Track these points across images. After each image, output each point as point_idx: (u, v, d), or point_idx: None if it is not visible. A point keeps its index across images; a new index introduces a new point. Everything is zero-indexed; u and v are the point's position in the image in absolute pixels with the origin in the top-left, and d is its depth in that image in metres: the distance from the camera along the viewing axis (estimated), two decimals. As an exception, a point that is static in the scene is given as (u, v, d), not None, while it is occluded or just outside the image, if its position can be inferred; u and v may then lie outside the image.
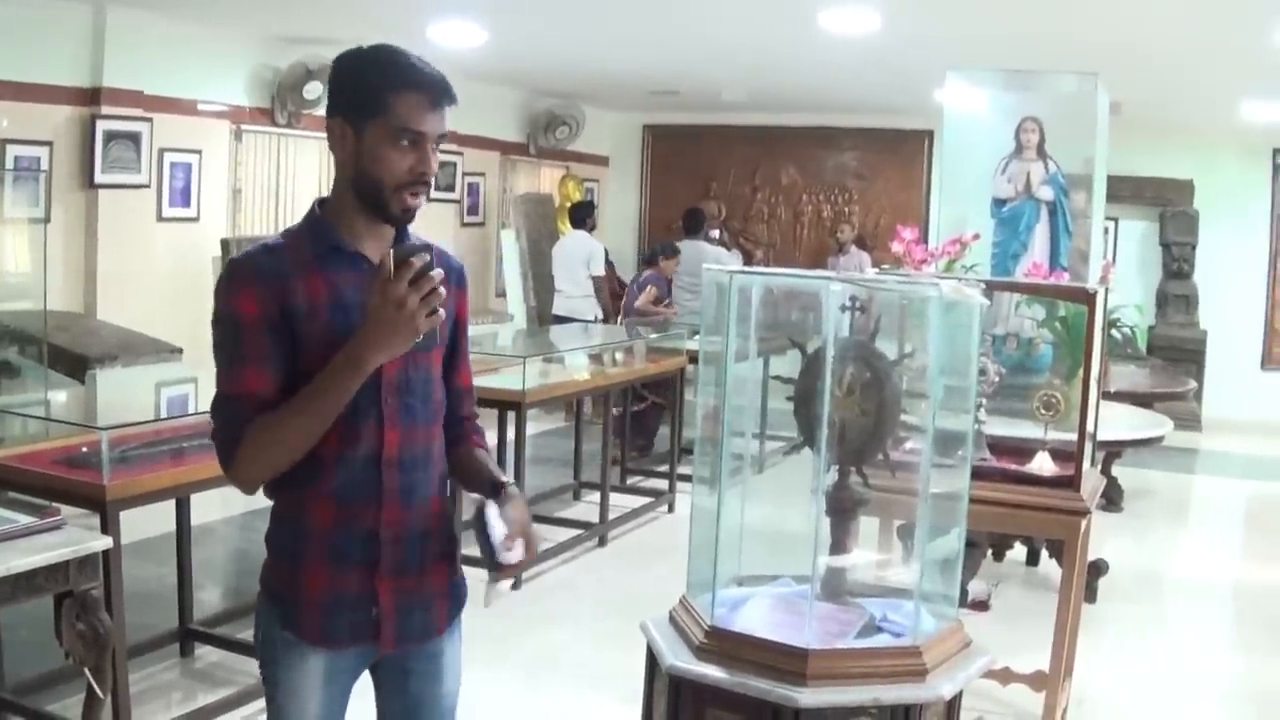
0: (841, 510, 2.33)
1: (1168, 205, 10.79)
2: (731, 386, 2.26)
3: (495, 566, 1.90)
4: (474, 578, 2.10)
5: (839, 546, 2.39)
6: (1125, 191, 9.96)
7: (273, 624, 1.95)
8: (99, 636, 3.04)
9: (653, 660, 2.33)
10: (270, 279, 1.84)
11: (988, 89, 5.34)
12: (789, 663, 2.10)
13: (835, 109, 11.00)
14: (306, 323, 1.85)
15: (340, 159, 1.90)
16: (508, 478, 2.03)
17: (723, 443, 2.26)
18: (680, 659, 2.20)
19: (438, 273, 1.78)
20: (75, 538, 2.97)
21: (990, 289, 2.46)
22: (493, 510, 1.91)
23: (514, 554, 1.90)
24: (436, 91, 1.87)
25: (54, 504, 3.35)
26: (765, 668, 2.12)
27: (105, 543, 3.05)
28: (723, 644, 2.19)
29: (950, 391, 2.25)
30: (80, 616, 3.02)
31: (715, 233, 10.42)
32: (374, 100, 1.84)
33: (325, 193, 2.00)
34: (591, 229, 9.31)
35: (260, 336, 1.83)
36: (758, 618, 2.28)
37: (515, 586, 5.31)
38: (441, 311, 1.81)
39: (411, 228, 1.97)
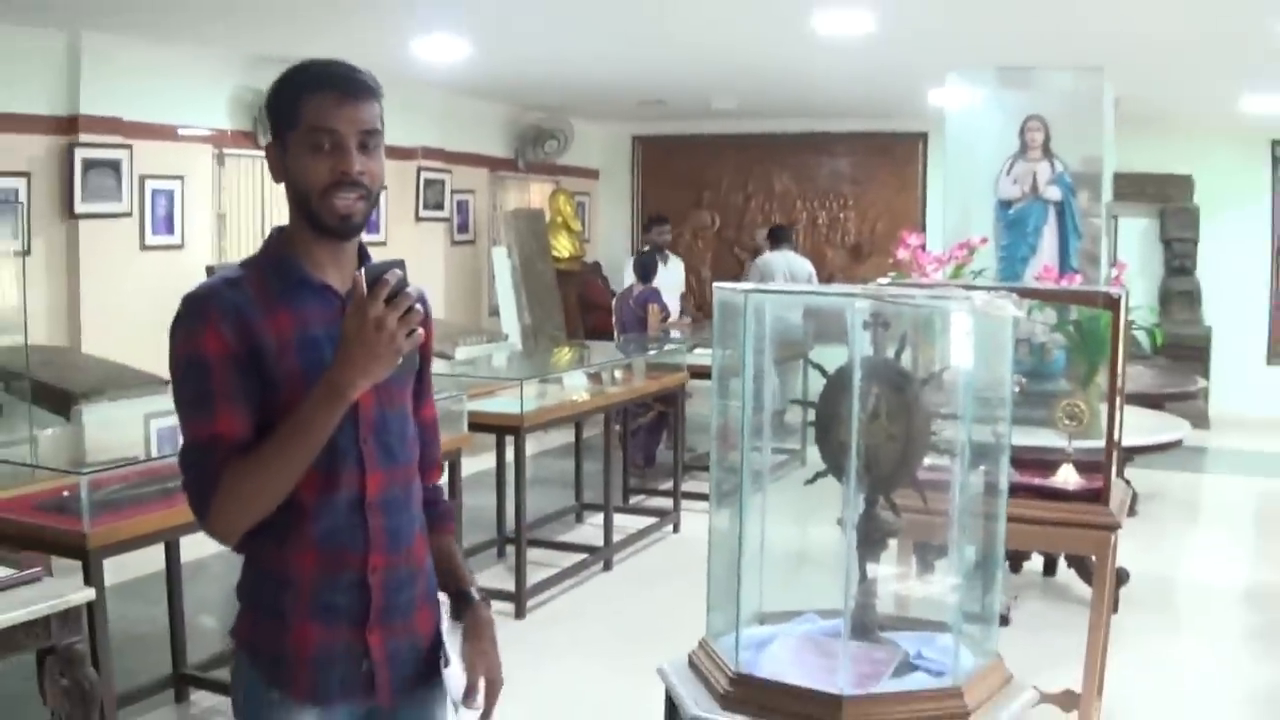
0: (870, 543, 2.19)
1: (1168, 201, 10.73)
2: (750, 418, 2.13)
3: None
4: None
5: (866, 578, 2.25)
6: (1125, 188, 9.86)
7: (256, 683, 1.83)
8: (85, 693, 2.90)
9: (672, 707, 2.19)
10: (235, 314, 1.73)
11: (987, 88, 5.29)
12: (823, 711, 1.96)
13: (827, 114, 10.90)
14: (275, 364, 1.74)
15: (283, 183, 1.83)
16: (474, 585, 1.96)
17: (743, 483, 2.12)
18: (703, 708, 2.07)
19: (413, 289, 1.69)
20: (56, 590, 2.83)
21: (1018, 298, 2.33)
22: (454, 667, 1.86)
23: (471, 713, 1.87)
24: (343, 84, 1.77)
25: (36, 553, 3.20)
26: (797, 716, 1.98)
27: (87, 595, 2.90)
28: (749, 692, 2.05)
29: (980, 406, 2.11)
30: (64, 673, 2.88)
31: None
32: (289, 112, 1.78)
33: None
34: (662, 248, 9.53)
35: (229, 375, 1.72)
36: (785, 661, 2.14)
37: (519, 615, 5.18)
38: (420, 331, 1.70)
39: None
